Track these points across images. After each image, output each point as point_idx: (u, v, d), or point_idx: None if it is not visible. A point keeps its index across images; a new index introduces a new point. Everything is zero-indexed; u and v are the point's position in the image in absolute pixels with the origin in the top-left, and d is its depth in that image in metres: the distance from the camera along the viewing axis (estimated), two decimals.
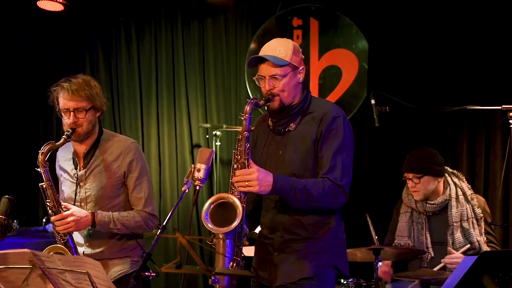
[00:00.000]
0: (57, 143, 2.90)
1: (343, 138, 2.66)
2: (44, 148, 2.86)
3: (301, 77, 2.73)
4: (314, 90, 4.74)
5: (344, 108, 3.93)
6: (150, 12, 5.68)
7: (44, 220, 4.88)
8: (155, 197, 5.36)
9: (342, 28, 5.27)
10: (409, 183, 3.65)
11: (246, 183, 2.51)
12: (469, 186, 3.69)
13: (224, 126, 5.34)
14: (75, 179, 3.05)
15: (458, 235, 3.53)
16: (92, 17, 5.68)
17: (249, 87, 5.42)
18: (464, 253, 3.47)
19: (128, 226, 2.98)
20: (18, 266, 2.22)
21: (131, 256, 3.07)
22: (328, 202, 2.63)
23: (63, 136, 2.90)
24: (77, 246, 2.99)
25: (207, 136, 5.53)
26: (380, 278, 3.69)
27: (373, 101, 3.53)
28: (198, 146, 5.57)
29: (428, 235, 3.61)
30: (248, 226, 2.73)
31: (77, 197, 3.03)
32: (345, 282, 3.74)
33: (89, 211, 2.95)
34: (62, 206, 2.89)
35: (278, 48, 2.68)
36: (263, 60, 2.69)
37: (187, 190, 2.47)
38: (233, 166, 2.60)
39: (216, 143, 5.29)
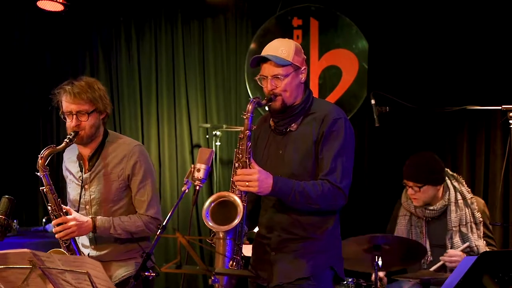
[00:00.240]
0: (58, 147, 2.86)
1: (344, 140, 2.66)
2: (44, 152, 2.83)
3: (303, 77, 2.73)
4: (314, 90, 4.72)
5: (344, 108, 3.93)
6: (150, 12, 5.67)
7: (44, 220, 4.89)
8: None
9: (342, 28, 5.27)
10: (409, 190, 3.60)
11: (247, 183, 2.51)
12: (469, 189, 3.65)
13: (224, 126, 5.34)
14: (80, 181, 3.04)
15: (457, 239, 3.51)
16: (92, 17, 5.68)
17: (249, 87, 5.42)
18: (463, 251, 3.46)
19: (129, 231, 2.96)
20: (18, 266, 2.22)
21: (136, 258, 3.06)
22: (327, 204, 2.63)
23: (65, 140, 2.86)
24: (83, 248, 3.00)
25: (207, 136, 5.53)
26: (380, 278, 3.68)
27: (373, 101, 3.52)
28: (198, 146, 5.57)
29: (427, 239, 3.59)
30: (248, 226, 2.73)
31: (82, 199, 3.02)
32: (345, 282, 3.73)
33: (91, 216, 2.94)
34: (64, 210, 2.87)
35: (280, 48, 2.68)
36: (265, 60, 2.69)
37: (187, 190, 2.47)
38: (234, 164, 2.60)
39: (216, 143, 5.28)
